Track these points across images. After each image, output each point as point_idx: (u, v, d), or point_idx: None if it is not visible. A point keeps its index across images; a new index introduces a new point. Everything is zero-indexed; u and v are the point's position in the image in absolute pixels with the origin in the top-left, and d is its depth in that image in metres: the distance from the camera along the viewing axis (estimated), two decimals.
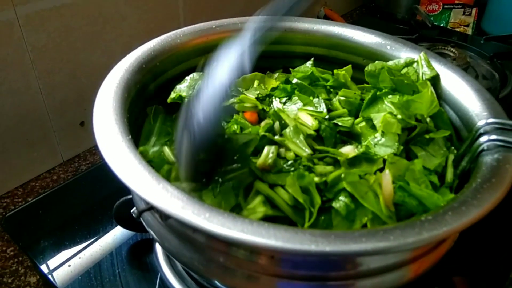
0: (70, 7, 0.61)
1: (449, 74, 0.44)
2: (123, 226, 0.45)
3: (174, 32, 0.46)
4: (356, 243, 0.25)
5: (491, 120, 0.36)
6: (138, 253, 0.47)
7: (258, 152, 0.36)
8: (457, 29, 1.07)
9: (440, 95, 0.44)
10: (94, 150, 0.74)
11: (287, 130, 0.38)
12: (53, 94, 0.65)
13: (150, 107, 0.44)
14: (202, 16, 0.82)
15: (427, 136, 0.39)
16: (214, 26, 0.48)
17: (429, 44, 0.85)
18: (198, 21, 0.82)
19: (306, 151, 0.36)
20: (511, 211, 0.50)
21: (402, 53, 0.48)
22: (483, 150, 0.35)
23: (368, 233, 0.26)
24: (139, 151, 0.35)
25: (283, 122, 0.40)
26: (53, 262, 0.46)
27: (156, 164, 0.37)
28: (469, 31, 1.06)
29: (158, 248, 0.45)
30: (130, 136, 0.33)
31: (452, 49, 0.84)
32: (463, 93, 0.41)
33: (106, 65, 0.69)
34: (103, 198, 0.53)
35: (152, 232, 0.35)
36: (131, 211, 0.34)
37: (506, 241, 0.51)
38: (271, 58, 0.54)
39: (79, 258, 0.47)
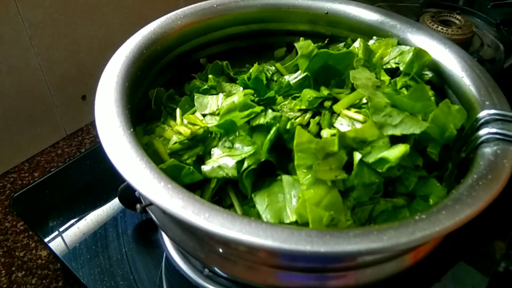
0: None
1: (452, 57, 0.43)
2: (128, 207, 0.46)
3: (174, 13, 0.45)
4: (350, 244, 0.26)
5: (492, 111, 0.36)
6: (143, 232, 0.49)
7: None
8: None
9: (444, 79, 0.43)
10: None
11: None
12: (53, 69, 0.64)
13: (152, 91, 0.44)
14: None
15: None
16: (215, 5, 0.47)
17: (434, 12, 0.82)
18: None
19: None
20: None
21: (409, 35, 0.47)
22: (482, 142, 0.34)
23: (362, 233, 0.26)
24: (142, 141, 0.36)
25: None
26: (62, 241, 0.48)
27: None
28: None
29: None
30: (132, 129, 0.33)
31: (458, 16, 0.81)
32: (467, 79, 0.41)
33: (106, 38, 0.69)
34: (108, 177, 0.54)
35: (156, 221, 0.36)
36: (136, 206, 0.36)
37: None
38: (274, 35, 0.53)
39: (87, 237, 0.48)
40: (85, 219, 0.50)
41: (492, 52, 0.77)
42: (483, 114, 0.36)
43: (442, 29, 0.78)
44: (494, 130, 0.34)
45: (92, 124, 0.74)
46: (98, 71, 0.74)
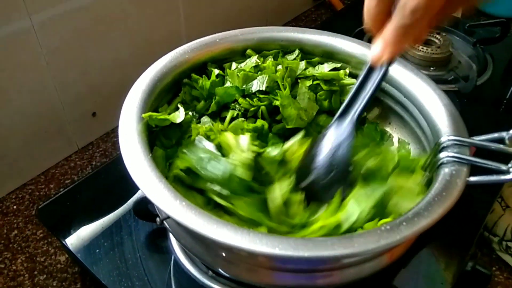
0: (79, 11, 0.66)
1: (423, 86, 0.49)
2: (141, 218, 0.53)
3: (181, 48, 0.52)
4: (327, 250, 0.33)
5: (451, 137, 0.42)
6: (154, 239, 0.55)
7: None
8: None
9: (416, 105, 0.50)
10: (105, 137, 0.81)
11: None
12: (67, 90, 0.71)
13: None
14: (201, 7, 0.86)
15: None
16: (218, 40, 0.54)
17: None
18: (198, 15, 0.86)
19: None
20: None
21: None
22: (442, 163, 0.41)
23: (338, 241, 0.33)
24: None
25: None
26: (83, 246, 0.54)
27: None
28: (459, 12, 1.09)
29: (172, 235, 0.53)
30: (150, 155, 0.40)
31: (437, 35, 0.88)
32: (433, 106, 0.47)
33: (114, 59, 0.75)
34: (122, 189, 0.60)
35: (171, 231, 0.43)
36: (156, 220, 0.42)
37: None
38: None
39: (105, 243, 0.54)
40: (103, 227, 0.56)
41: (466, 72, 0.83)
42: (444, 139, 0.42)
43: (422, 48, 0.85)
44: (451, 154, 0.40)
45: (101, 138, 0.81)
46: (107, 89, 0.82)
